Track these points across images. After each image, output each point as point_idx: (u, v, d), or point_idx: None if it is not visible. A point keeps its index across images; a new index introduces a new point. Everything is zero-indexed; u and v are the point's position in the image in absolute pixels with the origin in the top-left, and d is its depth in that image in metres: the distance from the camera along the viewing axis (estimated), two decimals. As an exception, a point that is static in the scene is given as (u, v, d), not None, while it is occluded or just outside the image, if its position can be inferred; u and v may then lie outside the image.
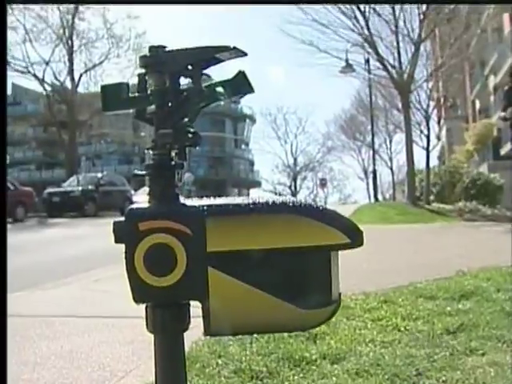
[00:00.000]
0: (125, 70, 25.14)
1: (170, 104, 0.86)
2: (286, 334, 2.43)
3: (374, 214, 13.27)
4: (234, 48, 0.85)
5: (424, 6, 13.01)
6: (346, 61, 18.70)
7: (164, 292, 0.82)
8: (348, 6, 13.84)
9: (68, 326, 3.14)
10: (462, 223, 11.55)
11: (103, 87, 0.90)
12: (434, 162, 27.77)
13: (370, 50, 15.47)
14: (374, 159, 23.93)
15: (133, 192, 19.41)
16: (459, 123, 30.56)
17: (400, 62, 14.82)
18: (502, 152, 22.06)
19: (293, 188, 56.62)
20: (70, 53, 25.32)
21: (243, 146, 59.07)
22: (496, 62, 23.78)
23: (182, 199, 0.87)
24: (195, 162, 51.78)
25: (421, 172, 18.10)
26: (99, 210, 17.98)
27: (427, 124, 18.64)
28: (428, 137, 18.32)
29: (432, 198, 16.80)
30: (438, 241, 7.31)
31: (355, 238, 0.84)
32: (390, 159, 41.80)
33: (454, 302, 3.02)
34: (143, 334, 1.76)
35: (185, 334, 2.90)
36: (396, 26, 13.92)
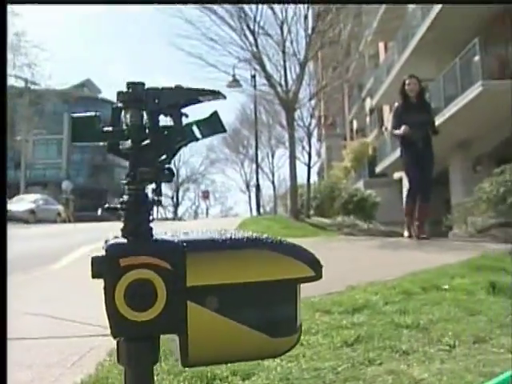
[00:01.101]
0: None
1: (148, 141, 0.87)
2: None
3: (258, 228, 13.54)
4: (219, 92, 0.88)
5: (310, 30, 13.64)
6: (233, 76, 19.09)
7: (144, 326, 0.83)
8: (238, 24, 14.13)
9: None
10: (342, 237, 12.15)
11: (73, 118, 0.89)
12: (314, 177, 28.97)
13: (257, 67, 15.89)
14: (257, 173, 24.55)
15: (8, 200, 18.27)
16: (338, 141, 32.28)
17: (286, 81, 15.35)
18: (377, 170, 23.57)
19: (175, 199, 56.30)
20: None
21: (126, 155, 57.74)
22: (372, 86, 25.46)
23: (156, 234, 0.89)
24: (75, 170, 49.80)
25: (301, 187, 18.82)
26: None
27: (309, 141, 19.53)
28: (309, 153, 19.18)
29: (312, 212, 17.51)
30: (324, 255, 7.61)
31: (318, 271, 0.91)
32: (272, 173, 43.03)
33: (349, 316, 3.20)
34: None
35: (90, 354, 2.80)
36: (283, 46, 14.43)
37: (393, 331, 2.82)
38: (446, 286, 3.75)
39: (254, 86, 18.57)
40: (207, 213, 55.69)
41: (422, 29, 16.72)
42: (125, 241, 0.86)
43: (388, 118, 27.16)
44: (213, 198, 53.34)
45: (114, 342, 2.80)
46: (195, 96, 0.90)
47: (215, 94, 0.90)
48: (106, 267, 0.83)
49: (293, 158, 16.91)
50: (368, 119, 31.12)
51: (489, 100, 12.95)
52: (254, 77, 18.42)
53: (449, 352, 2.51)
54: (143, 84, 0.88)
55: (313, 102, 18.84)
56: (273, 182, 43.24)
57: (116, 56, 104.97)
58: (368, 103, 29.17)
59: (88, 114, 0.89)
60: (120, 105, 0.88)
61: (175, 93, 0.88)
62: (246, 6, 13.54)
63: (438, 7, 15.03)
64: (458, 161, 17.41)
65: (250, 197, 45.37)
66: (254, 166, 28.59)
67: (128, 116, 0.89)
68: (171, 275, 0.83)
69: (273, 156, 42.75)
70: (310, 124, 18.73)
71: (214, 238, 0.88)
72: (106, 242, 0.86)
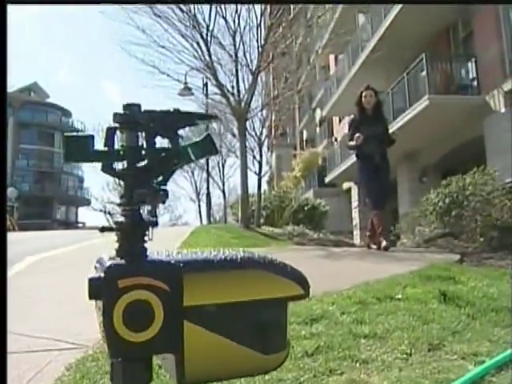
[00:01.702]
0: None
1: (144, 162, 0.88)
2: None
3: (210, 237, 13.47)
4: (216, 116, 0.90)
5: (262, 40, 13.78)
6: (185, 84, 19.04)
7: (141, 347, 0.83)
8: (190, 32, 14.12)
9: None
10: (294, 247, 12.26)
11: (67, 137, 0.89)
12: (264, 186, 29.15)
13: (209, 75, 15.91)
14: (208, 182, 24.49)
15: None
16: (288, 151, 32.63)
17: (238, 90, 15.42)
18: (327, 180, 23.96)
19: (124, 207, 55.41)
20: None
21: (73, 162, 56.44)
22: (322, 97, 25.91)
23: (152, 254, 0.90)
24: (19, 177, 48.25)
25: (252, 196, 18.87)
26: None
27: (260, 150, 19.64)
28: (260, 163, 19.26)
29: (262, 221, 17.59)
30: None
31: (307, 290, 0.94)
32: (223, 182, 42.97)
33: (307, 326, 3.24)
34: None
35: (47, 369, 2.72)
36: (236, 56, 14.50)
37: (351, 341, 2.88)
38: (400, 296, 3.84)
39: (206, 95, 18.57)
40: (156, 221, 55.00)
41: (371, 43, 17.17)
42: (122, 262, 0.87)
43: (337, 129, 27.69)
44: (162, 207, 52.76)
45: (72, 356, 2.74)
46: (193, 120, 0.91)
47: (212, 118, 0.92)
48: (104, 289, 0.83)
49: (244, 168, 16.96)
50: (318, 130, 31.64)
51: (435, 113, 13.43)
52: (206, 85, 18.43)
53: (406, 360, 2.59)
54: (139, 106, 0.89)
55: (264, 111, 19.02)
56: (223, 191, 43.19)
57: (65, 60, 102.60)
58: (318, 114, 29.67)
59: (81, 134, 0.89)
60: (116, 125, 0.89)
61: (173, 116, 0.89)
62: (199, 15, 13.55)
63: (388, 21, 15.48)
64: (405, 171, 17.91)
65: (199, 206, 45.10)
66: (205, 174, 28.55)
67: (124, 137, 0.89)
68: (168, 296, 0.84)
69: (223, 165, 42.73)
70: (261, 133, 18.87)
71: (209, 259, 0.90)
72: (99, 261, 0.86)
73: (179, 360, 0.87)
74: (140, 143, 0.90)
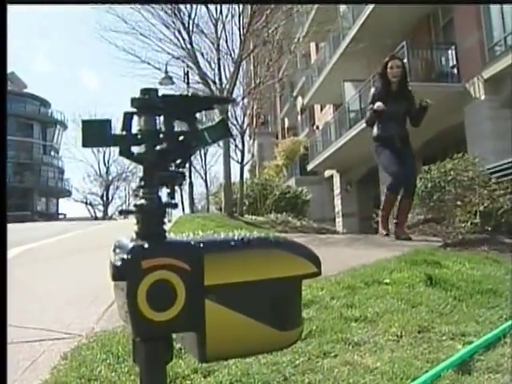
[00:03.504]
0: None
1: (163, 146, 0.90)
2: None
3: (194, 227, 13.49)
4: (233, 100, 0.92)
5: (244, 29, 13.73)
6: (166, 73, 18.94)
7: (164, 326, 0.86)
8: (172, 20, 14.03)
9: None
10: (277, 234, 12.33)
11: (84, 122, 0.90)
12: (246, 175, 29.16)
13: (190, 64, 15.82)
14: (190, 171, 24.45)
15: None
16: (270, 139, 32.64)
17: (220, 79, 15.37)
18: (309, 168, 24.06)
19: (105, 198, 55.02)
20: None
21: (53, 153, 55.78)
22: (304, 85, 25.94)
23: (171, 236, 0.92)
24: (-3, 168, 47.47)
25: (234, 184, 18.89)
26: None
27: (242, 139, 19.62)
28: (242, 151, 19.25)
29: (245, 209, 17.63)
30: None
31: (319, 267, 0.97)
32: (205, 171, 42.89)
33: (299, 311, 3.29)
34: None
35: (42, 359, 2.73)
36: (218, 44, 14.45)
37: (343, 324, 2.94)
38: (387, 280, 3.91)
39: (188, 84, 18.47)
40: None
41: (352, 31, 17.21)
42: (145, 243, 0.89)
43: (319, 117, 27.75)
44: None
45: (66, 346, 2.75)
46: (211, 103, 0.93)
47: (229, 102, 0.95)
48: (128, 270, 0.85)
49: (227, 157, 16.96)
50: (299, 118, 31.68)
51: (417, 100, 13.52)
52: (187, 74, 18.33)
53: (397, 342, 2.66)
54: (156, 90, 0.90)
55: (246, 100, 18.99)
56: (205, 180, 43.09)
57: (42, 49, 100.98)
58: (299, 102, 29.69)
59: (99, 118, 0.91)
60: (133, 110, 0.90)
61: (192, 100, 0.91)
62: (181, 4, 13.46)
63: (369, 9, 15.52)
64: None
65: (181, 195, 44.86)
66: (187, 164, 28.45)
67: (142, 121, 0.91)
68: (189, 275, 0.86)
69: (205, 154, 42.60)
70: (243, 122, 18.85)
71: (227, 239, 0.92)
72: (119, 243, 0.88)
73: (200, 338, 0.90)
74: (158, 127, 0.92)
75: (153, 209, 0.91)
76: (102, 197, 54.16)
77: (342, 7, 19.59)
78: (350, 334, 2.76)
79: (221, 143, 19.79)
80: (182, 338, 0.96)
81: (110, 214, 52.41)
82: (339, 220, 23.13)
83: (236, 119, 18.71)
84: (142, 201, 0.91)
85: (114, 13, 15.89)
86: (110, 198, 54.67)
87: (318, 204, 23.07)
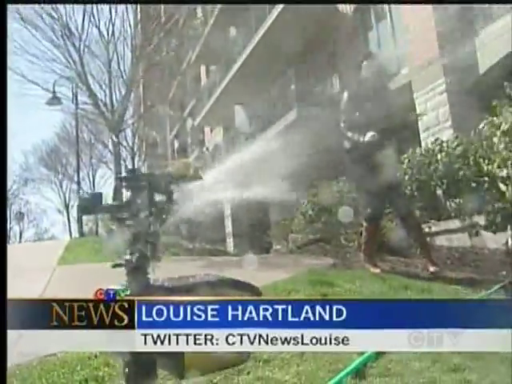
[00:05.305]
0: None
1: (145, 213, 1.09)
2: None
3: (86, 252, 13.07)
4: (200, 177, 1.14)
5: (138, 51, 13.81)
6: (54, 93, 18.39)
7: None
8: (61, 41, 13.79)
9: None
10: (173, 257, 12.24)
11: (80, 195, 1.09)
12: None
13: (80, 85, 15.55)
14: (79, 193, 23.73)
15: None
16: (160, 161, 32.40)
17: (112, 101, 15.26)
18: (199, 189, 24.15)
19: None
20: None
21: None
22: (194, 106, 26.17)
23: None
24: None
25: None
26: None
27: (132, 161, 19.53)
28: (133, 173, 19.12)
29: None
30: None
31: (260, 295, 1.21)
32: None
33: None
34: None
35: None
36: (109, 66, 14.39)
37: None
38: (287, 301, 4.17)
39: (76, 105, 18.07)
40: (20, 236, 51.43)
41: (242, 56, 17.78)
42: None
43: (208, 138, 28.10)
44: (27, 220, 49.42)
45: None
46: (180, 180, 1.14)
47: (196, 178, 1.16)
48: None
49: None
50: (189, 139, 31.80)
51: (303, 124, 14.24)
52: (75, 95, 17.94)
53: (301, 357, 2.92)
54: (139, 170, 1.11)
55: (136, 122, 18.93)
56: (99, 203, 41.65)
57: None
58: (189, 123, 29.86)
59: (92, 192, 1.09)
60: (124, 184, 1.10)
61: (167, 177, 1.12)
62: (71, 24, 13.30)
63: (259, 36, 16.13)
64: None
65: (68, 218, 42.94)
66: (73, 185, 27.59)
67: (129, 194, 1.10)
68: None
69: (94, 176, 41.34)
70: (134, 144, 18.79)
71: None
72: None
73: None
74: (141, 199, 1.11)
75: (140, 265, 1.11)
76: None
77: (233, 32, 20.16)
78: (259, 352, 2.99)
79: (111, 165, 19.51)
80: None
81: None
82: (230, 240, 23.42)
83: (126, 141, 18.62)
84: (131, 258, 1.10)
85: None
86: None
87: (209, 224, 23.15)
